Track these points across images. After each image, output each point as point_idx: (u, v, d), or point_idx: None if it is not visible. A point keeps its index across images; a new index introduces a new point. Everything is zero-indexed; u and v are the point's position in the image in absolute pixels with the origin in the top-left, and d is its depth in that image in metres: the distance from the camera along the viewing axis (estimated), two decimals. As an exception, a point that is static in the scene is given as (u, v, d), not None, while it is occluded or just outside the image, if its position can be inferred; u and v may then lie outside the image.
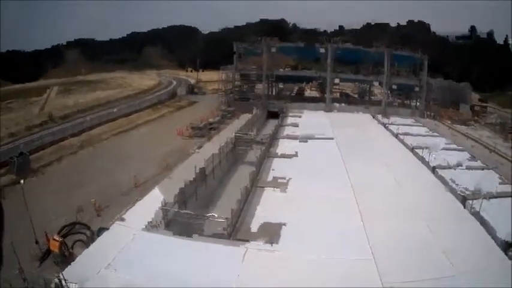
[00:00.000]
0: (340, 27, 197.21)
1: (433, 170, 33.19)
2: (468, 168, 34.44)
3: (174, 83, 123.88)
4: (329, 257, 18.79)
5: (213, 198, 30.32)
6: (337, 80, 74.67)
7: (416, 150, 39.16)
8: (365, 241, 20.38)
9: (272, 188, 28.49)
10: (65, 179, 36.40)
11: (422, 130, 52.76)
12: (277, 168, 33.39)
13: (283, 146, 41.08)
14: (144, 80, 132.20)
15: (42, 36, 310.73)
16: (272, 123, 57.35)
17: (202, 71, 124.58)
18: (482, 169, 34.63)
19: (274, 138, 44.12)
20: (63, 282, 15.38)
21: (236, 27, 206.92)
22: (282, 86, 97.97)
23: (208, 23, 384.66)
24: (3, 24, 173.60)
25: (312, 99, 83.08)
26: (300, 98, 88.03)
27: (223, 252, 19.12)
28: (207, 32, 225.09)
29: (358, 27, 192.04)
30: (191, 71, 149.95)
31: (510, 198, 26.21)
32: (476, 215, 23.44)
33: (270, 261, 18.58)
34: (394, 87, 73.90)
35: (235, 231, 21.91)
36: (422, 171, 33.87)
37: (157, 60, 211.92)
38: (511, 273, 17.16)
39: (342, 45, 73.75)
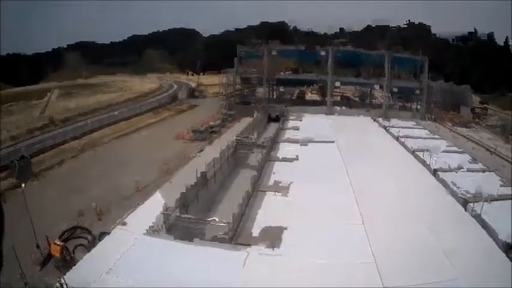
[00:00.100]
0: (341, 29, 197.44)
1: (434, 172, 33.17)
2: (469, 170, 34.37)
3: (175, 86, 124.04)
4: (330, 261, 18.75)
5: (214, 203, 30.28)
6: (337, 83, 74.79)
7: (417, 153, 39.12)
8: (366, 244, 20.38)
9: (273, 192, 28.47)
10: (66, 183, 36.37)
11: (423, 133, 52.73)
12: (278, 172, 33.34)
13: (284, 149, 41.04)
14: (145, 83, 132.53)
15: (42, 39, 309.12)
16: (273, 127, 57.30)
17: (203, 74, 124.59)
18: (483, 171, 34.59)
19: (275, 141, 44.07)
20: (65, 286, 15.37)
21: (237, 30, 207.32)
22: (282, 90, 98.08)
23: (209, 25, 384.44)
24: (3, 26, 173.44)
25: (313, 103, 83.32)
26: (301, 102, 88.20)
27: (224, 257, 19.08)
28: (208, 34, 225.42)
29: (359, 30, 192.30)
30: (192, 75, 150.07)
31: (511, 200, 26.20)
32: (478, 217, 23.42)
33: (271, 266, 18.52)
34: (395, 90, 73.95)
35: (236, 235, 21.87)
36: (423, 174, 33.85)
37: (158, 63, 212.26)
38: (512, 276, 17.20)
39: (342, 48, 73.71)
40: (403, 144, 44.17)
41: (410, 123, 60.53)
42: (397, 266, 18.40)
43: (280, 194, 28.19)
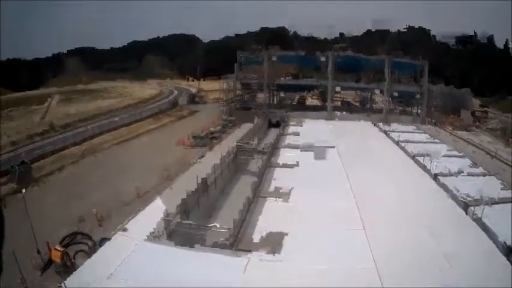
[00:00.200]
0: (341, 34, 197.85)
1: (435, 177, 33.16)
2: (470, 174, 34.44)
3: (175, 92, 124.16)
4: (331, 266, 18.73)
5: (215, 209, 30.32)
6: (338, 88, 74.91)
7: (417, 157, 39.16)
8: (367, 249, 20.36)
9: (274, 198, 28.45)
10: (67, 189, 36.38)
11: (424, 137, 52.75)
12: (279, 177, 33.33)
13: (285, 155, 41.02)
14: (145, 89, 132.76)
15: (42, 44, 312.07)
16: (273, 132, 57.35)
17: (204, 80, 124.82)
18: (484, 175, 34.61)
19: (275, 147, 44.06)
20: (65, 291, 15.39)
21: (237, 35, 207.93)
22: (283, 95, 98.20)
23: (209, 31, 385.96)
24: (2, 30, 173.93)
25: (313, 108, 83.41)
26: (301, 107, 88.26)
27: (225, 263, 19.07)
28: (208, 40, 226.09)
29: (359, 34, 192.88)
30: (192, 80, 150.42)
31: (511, 203, 26.30)
32: (478, 221, 23.48)
33: (272, 271, 18.50)
34: (395, 94, 74.01)
35: (237, 241, 21.86)
36: (424, 179, 33.86)
37: (158, 69, 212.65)
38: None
39: (342, 53, 73.76)
40: (403, 148, 44.20)
41: (411, 128, 60.55)
42: (398, 270, 18.38)
43: (281, 199, 28.16)
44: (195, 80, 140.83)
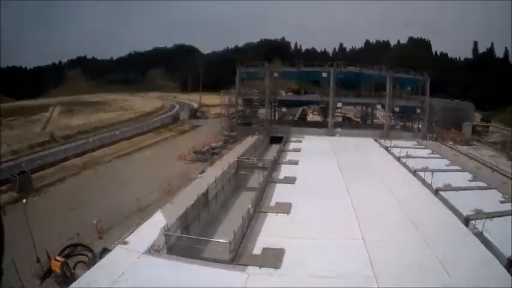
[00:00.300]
0: (341, 45, 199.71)
1: (436, 192, 33.18)
2: (471, 188, 34.47)
3: (177, 106, 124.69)
4: (332, 281, 18.67)
5: (216, 223, 30.34)
6: (339, 104, 75.41)
7: (418, 172, 39.15)
8: (368, 264, 20.30)
9: (275, 213, 28.46)
10: (67, 200, 36.49)
11: (425, 152, 53.00)
12: (280, 193, 33.31)
13: (286, 170, 41.05)
14: (146, 102, 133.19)
15: (42, 53, 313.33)
16: (275, 148, 57.60)
17: (204, 93, 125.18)
18: (485, 189, 34.69)
19: (276, 163, 44.14)
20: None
21: (236, 47, 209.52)
22: (284, 110, 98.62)
23: (209, 42, 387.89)
24: (2, 38, 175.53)
25: (315, 124, 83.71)
26: (303, 123, 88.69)
27: (225, 277, 19.01)
28: (208, 52, 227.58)
29: (359, 46, 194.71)
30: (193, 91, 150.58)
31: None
32: (479, 235, 23.48)
33: (272, 286, 18.51)
34: (397, 109, 74.31)
35: (237, 255, 21.80)
36: (425, 194, 33.78)
37: (160, 81, 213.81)
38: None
39: (344, 68, 74.12)
40: (404, 164, 44.28)
41: (412, 143, 60.79)
42: (397, 283, 18.34)
43: (281, 214, 28.17)
44: (196, 92, 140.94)
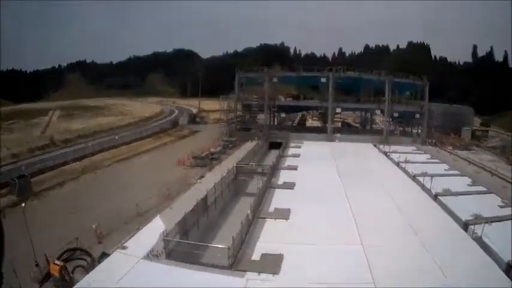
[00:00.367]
0: (340, 50, 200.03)
1: (435, 197, 33.25)
2: (470, 193, 34.62)
3: (176, 111, 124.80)
4: (331, 287, 18.75)
5: (215, 229, 30.40)
6: (338, 109, 75.43)
7: (417, 177, 39.27)
8: (366, 269, 20.36)
9: (273, 219, 28.48)
10: (67, 204, 36.47)
11: (424, 157, 53.30)
12: (279, 198, 33.37)
13: (285, 176, 41.11)
14: (146, 107, 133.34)
15: (42, 56, 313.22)
16: (274, 153, 57.61)
17: (203, 97, 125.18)
18: (484, 193, 34.87)
19: (275, 168, 44.17)
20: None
21: (236, 52, 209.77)
22: (283, 116, 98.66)
23: (208, 47, 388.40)
24: (3, 38, 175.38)
25: (314, 129, 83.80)
26: (302, 128, 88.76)
27: (224, 282, 19.06)
28: (208, 56, 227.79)
29: (359, 51, 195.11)
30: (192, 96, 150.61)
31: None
32: (478, 240, 23.52)
33: (271, 292, 18.55)
34: (396, 114, 74.44)
35: (236, 261, 21.81)
36: (424, 199, 33.92)
37: (159, 86, 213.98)
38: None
39: (343, 73, 74.14)
40: (403, 169, 44.42)
41: (411, 148, 61.15)
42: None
43: (280, 220, 28.20)
44: (195, 97, 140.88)
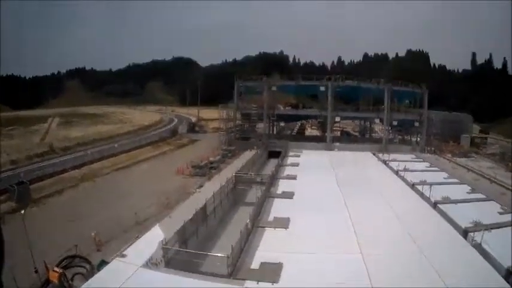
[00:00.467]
0: (339, 59, 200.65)
1: (434, 205, 33.28)
2: (469, 201, 34.68)
3: (175, 120, 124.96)
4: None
5: (214, 238, 30.37)
6: (337, 118, 75.36)
7: (416, 186, 39.30)
8: (366, 277, 20.34)
9: (273, 228, 28.47)
10: (66, 212, 36.51)
11: (423, 165, 53.38)
12: (278, 207, 33.34)
13: (284, 185, 41.12)
14: (145, 116, 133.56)
15: (41, 61, 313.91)
16: (273, 163, 57.68)
17: (203, 106, 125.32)
18: (484, 200, 34.95)
19: (274, 177, 44.16)
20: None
21: (235, 61, 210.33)
22: (282, 125, 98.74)
23: (207, 55, 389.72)
24: (3, 38, 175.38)
25: (313, 138, 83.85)
26: (301, 137, 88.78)
27: (223, 291, 19.05)
28: (207, 65, 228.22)
29: (358, 60, 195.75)
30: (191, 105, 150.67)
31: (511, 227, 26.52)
32: (478, 247, 23.55)
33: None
34: (395, 123, 74.51)
35: (235, 270, 21.78)
36: (423, 207, 33.88)
37: (159, 94, 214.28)
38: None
39: (342, 82, 74.25)
40: (402, 177, 44.47)
41: (410, 157, 61.20)
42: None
43: (279, 229, 28.18)
44: (194, 106, 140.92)
